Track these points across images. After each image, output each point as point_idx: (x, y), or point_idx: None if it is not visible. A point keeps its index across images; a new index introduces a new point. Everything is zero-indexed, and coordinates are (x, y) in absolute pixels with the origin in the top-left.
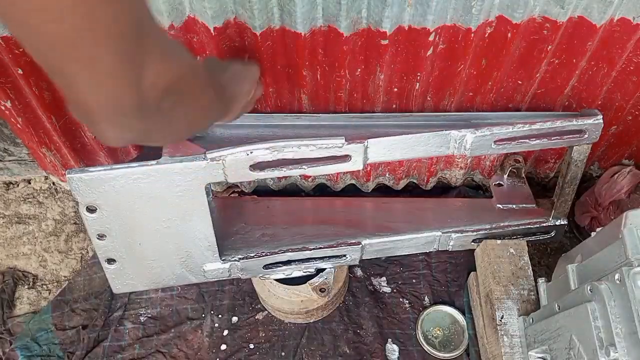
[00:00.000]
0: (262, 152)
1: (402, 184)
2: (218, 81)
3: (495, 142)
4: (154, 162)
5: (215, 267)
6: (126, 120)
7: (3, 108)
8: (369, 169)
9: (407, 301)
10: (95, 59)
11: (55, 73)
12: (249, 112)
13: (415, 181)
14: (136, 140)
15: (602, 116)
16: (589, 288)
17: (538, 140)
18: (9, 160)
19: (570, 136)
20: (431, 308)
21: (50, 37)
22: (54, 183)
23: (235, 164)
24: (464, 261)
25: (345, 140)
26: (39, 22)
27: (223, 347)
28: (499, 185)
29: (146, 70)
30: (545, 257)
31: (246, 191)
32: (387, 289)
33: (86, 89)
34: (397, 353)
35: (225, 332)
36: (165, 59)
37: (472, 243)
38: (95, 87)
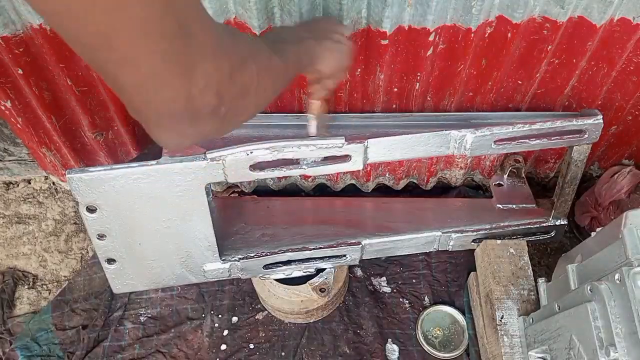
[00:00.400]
0: (262, 152)
1: (402, 184)
2: (290, 44)
3: (495, 142)
4: (154, 162)
5: (215, 267)
6: (179, 126)
7: (3, 108)
8: (369, 169)
9: (407, 301)
10: (134, 60)
11: (102, 74)
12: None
13: (415, 181)
14: (197, 142)
15: (602, 116)
16: (589, 288)
17: (538, 140)
18: (9, 160)
19: (570, 136)
20: (431, 308)
21: (85, 36)
22: (54, 183)
23: (235, 164)
24: (464, 261)
25: (345, 140)
26: (76, 21)
27: (223, 347)
28: (499, 185)
29: (197, 73)
30: (545, 257)
31: (246, 191)
32: (387, 289)
33: (133, 93)
34: (397, 353)
35: (225, 332)
36: (218, 55)
37: (472, 243)
38: (141, 92)
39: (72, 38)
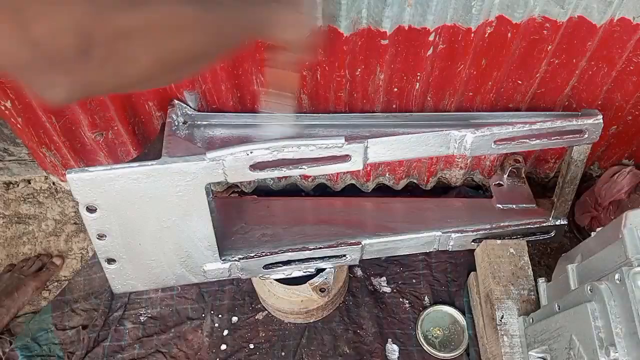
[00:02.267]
0: (262, 152)
1: (402, 184)
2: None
3: (495, 142)
4: (154, 162)
5: (215, 267)
6: (47, 76)
7: (3, 108)
8: (369, 169)
9: (407, 301)
10: None
11: None
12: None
13: (415, 181)
14: (88, 93)
15: (602, 116)
16: (589, 288)
17: (538, 140)
18: (9, 160)
19: (570, 136)
20: (431, 308)
21: None
22: (54, 183)
23: (235, 164)
24: (464, 261)
25: (345, 140)
26: None
27: (223, 347)
28: (499, 185)
29: (34, 23)
30: (545, 257)
31: (246, 191)
32: (387, 289)
33: None
34: (397, 353)
35: (225, 332)
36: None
37: (472, 243)
38: None
39: None
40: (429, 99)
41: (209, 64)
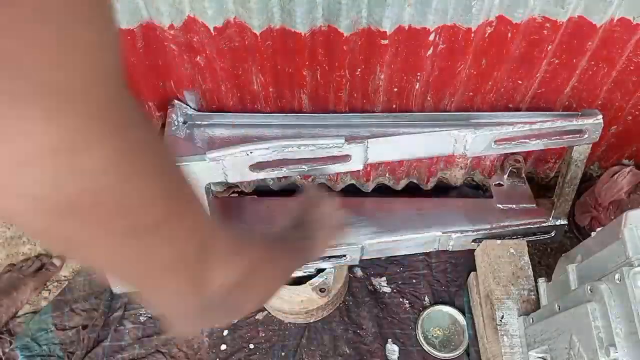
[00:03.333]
0: (262, 152)
1: (402, 184)
2: (296, 243)
3: (495, 142)
4: None
5: None
6: (193, 321)
7: None
8: (369, 169)
9: (407, 301)
10: (158, 285)
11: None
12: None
13: (415, 181)
14: (209, 326)
15: (602, 116)
16: (589, 288)
17: (538, 140)
18: None
19: (570, 136)
20: (431, 308)
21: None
22: None
23: (235, 164)
24: (464, 261)
25: (345, 140)
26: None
27: (223, 347)
28: (499, 185)
29: (210, 273)
30: (545, 257)
31: (246, 191)
32: (387, 289)
33: (149, 300)
34: (397, 353)
35: (225, 332)
36: (233, 258)
37: (472, 243)
38: (159, 301)
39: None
40: (429, 99)
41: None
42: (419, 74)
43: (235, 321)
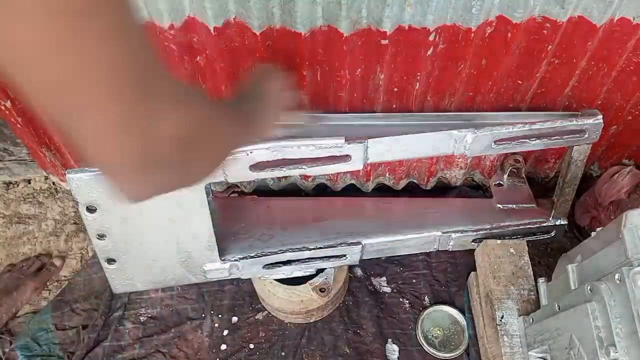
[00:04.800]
0: (262, 152)
1: (402, 184)
2: (244, 114)
3: (495, 142)
4: None
5: (215, 267)
6: (137, 176)
7: (3, 108)
8: (369, 169)
9: (407, 301)
10: (96, 108)
11: (56, 122)
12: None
13: (415, 181)
14: (157, 193)
15: (602, 116)
16: (589, 288)
17: (538, 140)
18: (9, 160)
19: (570, 136)
20: (431, 308)
21: (43, 82)
22: (54, 183)
23: (235, 164)
24: (464, 261)
25: (345, 140)
26: (36, 65)
27: (223, 347)
28: (499, 185)
29: (157, 120)
30: (545, 257)
31: (246, 191)
32: (387, 289)
33: (89, 143)
34: (397, 353)
35: (225, 332)
36: (179, 107)
37: (472, 243)
38: (97, 142)
39: (26, 83)
40: (429, 99)
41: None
42: (419, 74)
43: (185, 188)
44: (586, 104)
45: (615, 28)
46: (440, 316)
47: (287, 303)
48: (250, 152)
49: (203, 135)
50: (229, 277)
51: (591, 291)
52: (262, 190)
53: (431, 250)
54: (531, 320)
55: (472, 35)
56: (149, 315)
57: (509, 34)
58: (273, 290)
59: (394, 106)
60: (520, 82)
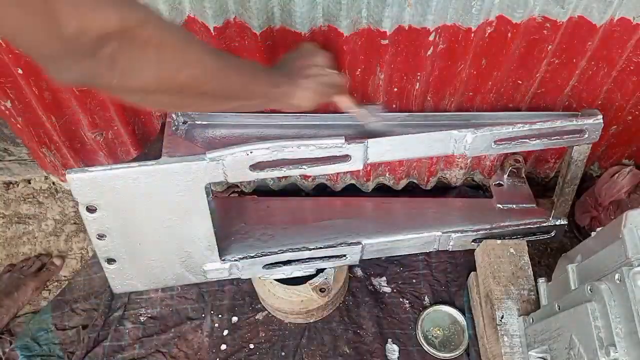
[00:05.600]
0: (262, 152)
1: (402, 184)
2: (267, 74)
3: (495, 142)
4: (153, 162)
5: (215, 267)
6: (63, 63)
7: (3, 108)
8: (369, 169)
9: (407, 301)
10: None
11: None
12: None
13: (415, 181)
14: (86, 81)
15: (602, 116)
16: (589, 288)
17: (538, 140)
18: (9, 160)
19: (570, 136)
20: (431, 308)
21: None
22: (54, 183)
23: (235, 164)
24: (464, 261)
25: (345, 140)
26: None
27: (223, 347)
28: (499, 185)
29: (64, 18)
30: (545, 257)
31: (246, 191)
32: (387, 289)
33: (15, 36)
34: (397, 353)
35: (225, 332)
36: (97, 7)
37: (472, 243)
38: (22, 35)
39: None
40: (429, 99)
41: (212, 107)
42: (419, 74)
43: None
44: (586, 104)
45: (615, 28)
46: (440, 316)
47: (287, 303)
48: (250, 152)
49: (144, 37)
50: (229, 277)
51: (591, 291)
52: (262, 190)
53: (431, 250)
54: (531, 320)
55: (472, 35)
56: (149, 315)
57: (509, 34)
58: (273, 290)
59: (394, 106)
60: (520, 82)
